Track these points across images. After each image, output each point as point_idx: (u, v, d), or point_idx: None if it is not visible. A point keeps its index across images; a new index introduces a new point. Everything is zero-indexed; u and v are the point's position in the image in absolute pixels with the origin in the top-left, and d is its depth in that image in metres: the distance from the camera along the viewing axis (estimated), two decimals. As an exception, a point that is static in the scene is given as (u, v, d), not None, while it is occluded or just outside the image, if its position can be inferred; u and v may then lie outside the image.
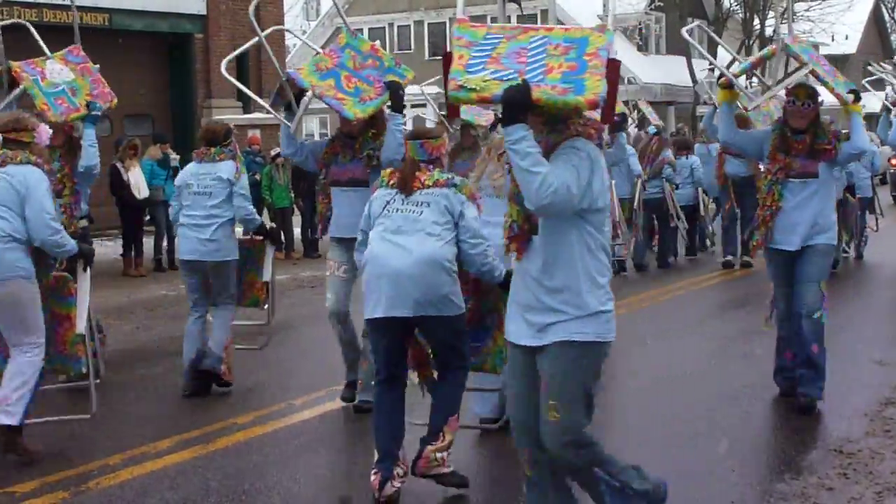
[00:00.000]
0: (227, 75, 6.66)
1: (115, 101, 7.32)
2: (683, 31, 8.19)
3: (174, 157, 14.07)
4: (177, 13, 18.63)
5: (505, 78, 3.69)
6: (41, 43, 7.66)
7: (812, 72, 6.45)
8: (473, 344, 5.30)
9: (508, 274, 4.76)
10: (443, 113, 8.87)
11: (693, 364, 7.82)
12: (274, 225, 10.61)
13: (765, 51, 6.92)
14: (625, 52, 32.08)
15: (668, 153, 13.58)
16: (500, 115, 3.73)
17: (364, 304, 4.97)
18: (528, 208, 3.80)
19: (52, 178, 6.15)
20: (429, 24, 35.96)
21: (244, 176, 7.10)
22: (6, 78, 7.17)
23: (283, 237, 14.43)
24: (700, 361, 7.89)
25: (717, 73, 6.76)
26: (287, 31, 7.61)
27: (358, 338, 6.42)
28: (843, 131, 6.55)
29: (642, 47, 35.31)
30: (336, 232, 6.48)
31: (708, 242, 15.16)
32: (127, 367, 7.24)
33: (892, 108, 10.98)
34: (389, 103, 6.40)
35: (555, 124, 3.85)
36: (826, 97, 7.11)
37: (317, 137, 24.75)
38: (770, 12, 35.92)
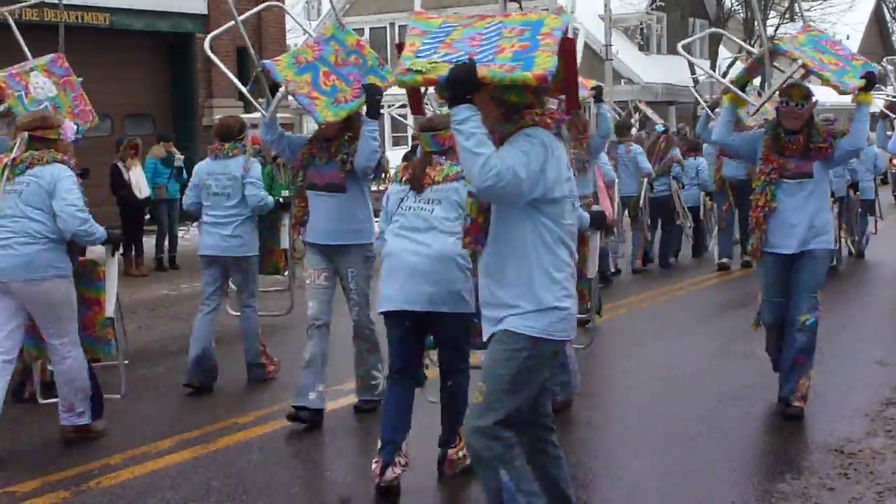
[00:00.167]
0: (210, 53, 6.38)
1: (97, 120, 7.37)
2: (679, 46, 8.11)
3: (179, 157, 14.09)
4: (178, 13, 18.62)
5: (454, 60, 3.62)
6: (22, 44, 7.63)
7: (803, 65, 6.17)
8: None
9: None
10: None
11: (693, 364, 7.82)
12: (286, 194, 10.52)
13: (755, 54, 6.65)
14: (626, 52, 32.13)
15: (676, 151, 13.61)
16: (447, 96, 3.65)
17: (378, 298, 5.11)
18: (484, 201, 3.76)
19: None
20: (430, 23, 35.91)
21: (256, 166, 7.25)
22: None
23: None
24: (700, 361, 7.89)
25: (718, 73, 6.55)
26: (280, 6, 7.58)
27: (322, 352, 6.24)
28: (840, 129, 6.39)
29: (643, 47, 35.30)
30: (313, 238, 6.25)
31: (708, 244, 15.17)
32: (128, 367, 7.21)
33: (889, 113, 10.93)
34: (365, 108, 6.16)
35: (511, 115, 3.74)
36: (830, 97, 7.00)
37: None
38: (771, 12, 35.96)
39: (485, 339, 3.91)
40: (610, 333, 7.86)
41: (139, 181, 13.27)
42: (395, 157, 14.92)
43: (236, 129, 7.27)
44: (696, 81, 29.99)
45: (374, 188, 6.89)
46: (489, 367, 3.80)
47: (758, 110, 6.64)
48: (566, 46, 3.69)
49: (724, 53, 33.97)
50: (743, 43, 9.02)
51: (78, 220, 5.63)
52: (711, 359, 7.98)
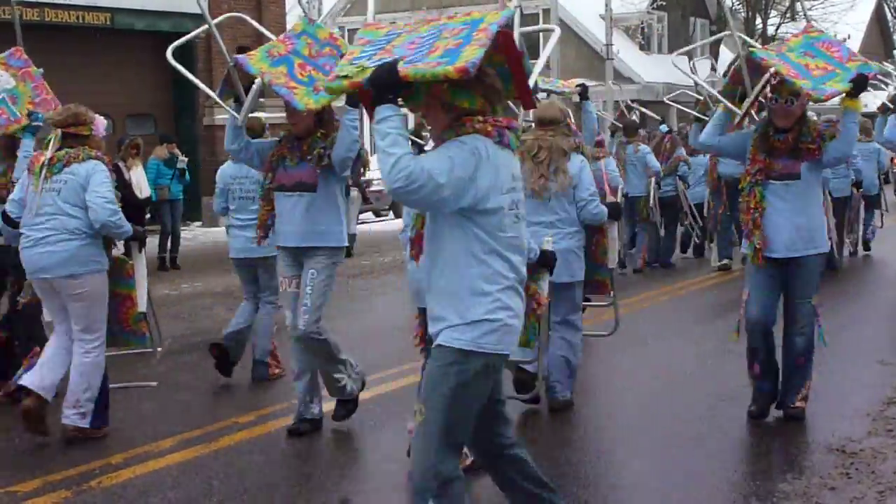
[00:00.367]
0: (173, 61, 6.27)
1: (60, 107, 7.34)
2: (672, 58, 8.07)
3: (182, 159, 14.11)
4: (179, 12, 18.62)
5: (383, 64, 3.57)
6: None
7: (775, 73, 5.79)
8: None
9: (542, 253, 5.02)
10: None
11: (694, 364, 7.82)
12: None
13: (735, 61, 6.33)
14: (627, 52, 32.14)
15: (682, 151, 13.63)
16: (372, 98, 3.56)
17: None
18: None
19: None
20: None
21: None
22: None
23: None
24: (701, 361, 7.89)
25: (719, 73, 6.40)
26: (243, 17, 7.44)
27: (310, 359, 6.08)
28: (830, 131, 6.04)
29: (644, 47, 35.31)
30: (282, 240, 6.01)
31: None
32: (129, 367, 7.25)
33: (890, 105, 10.85)
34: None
35: (454, 122, 3.63)
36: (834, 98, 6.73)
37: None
38: (773, 11, 35.98)
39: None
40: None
41: (140, 181, 13.27)
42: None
43: (258, 132, 7.29)
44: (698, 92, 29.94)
45: (379, 188, 6.87)
46: (425, 388, 3.67)
47: (741, 120, 6.17)
48: (501, 40, 3.56)
49: (726, 53, 33.94)
50: (749, 39, 8.91)
51: (108, 212, 5.79)
52: (712, 359, 7.98)
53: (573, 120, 7.60)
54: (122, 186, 13.05)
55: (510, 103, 6.89)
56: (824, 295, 6.47)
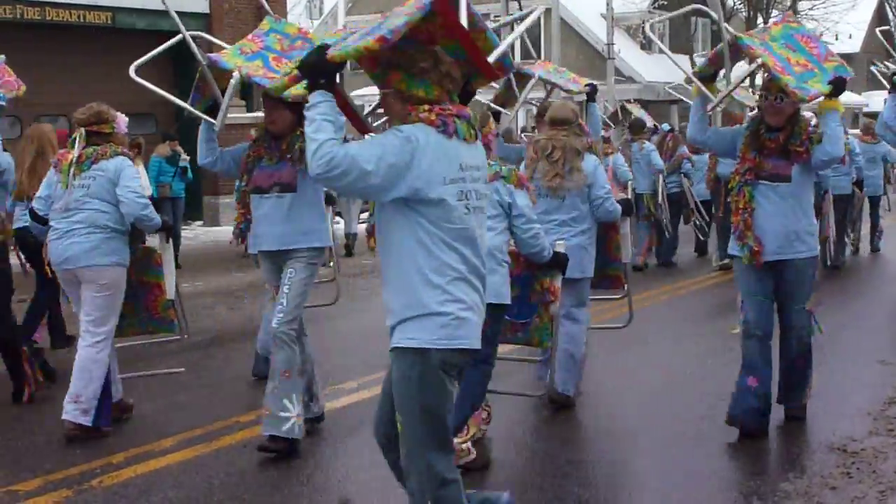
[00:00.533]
0: (136, 77, 6.16)
1: (24, 88, 7.48)
2: (646, 26, 8.07)
3: (184, 158, 14.12)
4: (180, 12, 18.52)
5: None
6: None
7: (763, 65, 5.65)
8: (520, 320, 5.73)
9: (555, 255, 5.47)
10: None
11: (694, 363, 7.82)
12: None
13: (719, 45, 6.10)
14: (628, 51, 32.12)
15: (684, 148, 13.66)
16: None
17: None
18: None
19: None
20: (432, 22, 35.88)
21: None
22: None
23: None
24: (701, 360, 7.89)
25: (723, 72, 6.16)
26: (204, 36, 7.26)
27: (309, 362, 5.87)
28: (820, 132, 5.76)
29: (645, 46, 35.30)
30: (261, 245, 5.75)
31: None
32: (130, 366, 7.24)
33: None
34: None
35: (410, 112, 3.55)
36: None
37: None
38: (774, 10, 35.93)
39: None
40: (611, 332, 7.85)
41: (142, 179, 13.29)
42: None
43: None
44: (690, 81, 29.90)
45: None
46: (395, 397, 3.61)
47: (715, 106, 6.03)
48: (438, 8, 3.42)
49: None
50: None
51: (139, 206, 5.98)
52: (713, 358, 7.97)
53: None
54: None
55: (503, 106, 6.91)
56: (825, 293, 6.47)
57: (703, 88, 5.99)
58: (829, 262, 12.48)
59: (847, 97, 45.06)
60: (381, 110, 4.13)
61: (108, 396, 6.05)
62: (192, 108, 5.98)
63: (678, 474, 5.32)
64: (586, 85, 8.15)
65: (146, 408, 6.76)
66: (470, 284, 3.58)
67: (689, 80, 5.96)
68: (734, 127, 6.51)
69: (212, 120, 5.84)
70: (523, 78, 8.37)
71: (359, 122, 3.81)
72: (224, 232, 8.73)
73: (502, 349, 5.72)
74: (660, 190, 13.05)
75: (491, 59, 3.69)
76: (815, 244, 5.89)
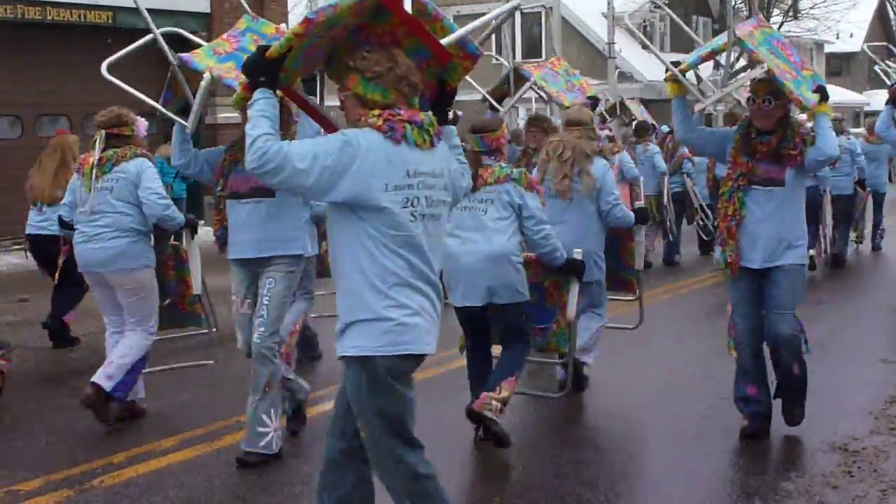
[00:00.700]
0: (108, 76, 5.95)
1: None
2: (626, 17, 8.04)
3: None
4: (181, 11, 18.61)
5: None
6: None
7: (768, 71, 5.46)
8: (538, 325, 5.95)
9: (571, 262, 5.79)
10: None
11: (696, 362, 7.81)
12: None
13: (716, 43, 5.93)
14: (629, 50, 32.11)
15: (685, 149, 13.68)
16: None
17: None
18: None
19: None
20: (432, 22, 35.89)
21: None
22: None
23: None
24: (702, 360, 7.88)
25: (721, 68, 6.05)
26: (181, 32, 7.17)
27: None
28: (813, 133, 5.63)
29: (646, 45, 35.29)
30: (237, 252, 5.53)
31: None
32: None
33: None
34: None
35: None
36: (834, 95, 6.42)
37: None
38: (775, 10, 35.92)
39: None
40: (612, 331, 7.84)
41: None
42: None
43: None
44: (699, 79, 29.90)
45: None
46: (352, 405, 3.60)
47: (706, 106, 5.73)
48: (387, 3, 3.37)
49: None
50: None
51: (161, 206, 6.08)
52: (714, 357, 7.96)
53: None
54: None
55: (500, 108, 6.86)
56: (825, 292, 6.46)
57: (684, 80, 5.76)
58: (826, 260, 12.53)
59: (848, 96, 45.11)
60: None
61: (133, 374, 6.15)
62: (163, 109, 5.86)
63: (679, 473, 5.31)
64: (588, 97, 8.20)
65: (147, 407, 6.76)
66: (416, 290, 3.50)
67: (671, 77, 5.75)
68: (723, 129, 6.37)
69: (183, 122, 5.71)
70: (523, 79, 8.38)
71: (322, 120, 3.79)
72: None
73: None
74: (664, 192, 13.16)
75: (445, 41, 3.64)
76: (803, 253, 5.73)
